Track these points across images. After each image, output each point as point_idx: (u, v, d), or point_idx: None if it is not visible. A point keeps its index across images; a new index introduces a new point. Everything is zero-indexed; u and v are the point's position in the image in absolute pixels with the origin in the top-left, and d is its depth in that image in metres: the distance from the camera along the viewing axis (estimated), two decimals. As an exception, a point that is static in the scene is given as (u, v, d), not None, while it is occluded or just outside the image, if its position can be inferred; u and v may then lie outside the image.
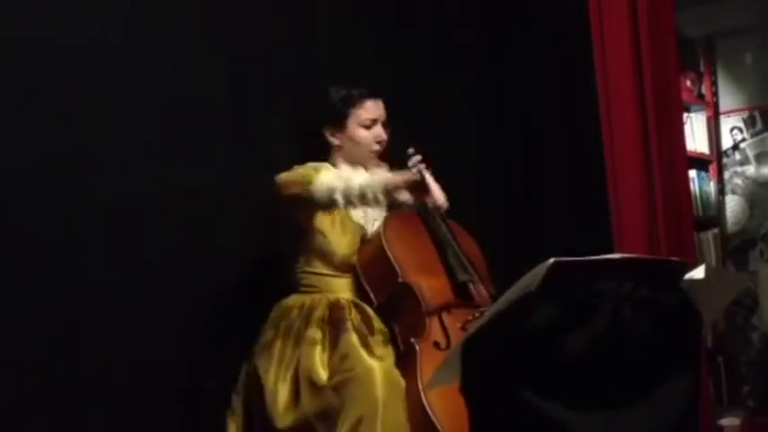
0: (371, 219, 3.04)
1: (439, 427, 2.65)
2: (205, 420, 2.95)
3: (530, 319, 1.94)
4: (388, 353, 2.82)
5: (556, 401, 1.92)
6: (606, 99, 4.06)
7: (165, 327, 2.95)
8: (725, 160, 5.44)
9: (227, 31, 3.25)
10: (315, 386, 2.75)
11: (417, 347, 2.82)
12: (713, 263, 5.11)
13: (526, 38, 4.37)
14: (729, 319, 5.17)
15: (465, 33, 4.17)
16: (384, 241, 2.94)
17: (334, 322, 2.86)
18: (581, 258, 2.01)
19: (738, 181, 5.39)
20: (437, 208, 3.02)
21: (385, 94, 3.09)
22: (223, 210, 3.15)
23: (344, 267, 2.98)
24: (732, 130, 5.42)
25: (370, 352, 2.78)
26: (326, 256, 2.98)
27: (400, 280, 2.92)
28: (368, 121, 3.04)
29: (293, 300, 2.97)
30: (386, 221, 3.01)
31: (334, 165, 3.05)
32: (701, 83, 5.50)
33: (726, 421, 4.94)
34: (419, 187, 2.86)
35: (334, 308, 2.90)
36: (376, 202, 2.83)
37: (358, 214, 3.01)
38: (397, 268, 2.92)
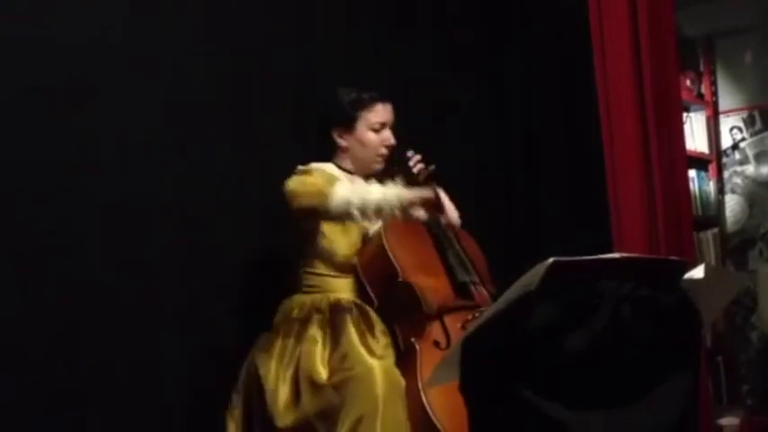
0: (372, 219, 3.04)
1: (439, 426, 2.66)
2: (205, 420, 2.95)
3: (529, 318, 1.94)
4: (388, 352, 2.83)
5: (555, 401, 1.92)
6: (606, 99, 4.06)
7: (165, 327, 2.95)
8: (724, 160, 5.43)
9: (227, 31, 3.25)
10: (315, 385, 2.75)
11: (417, 347, 2.82)
12: (713, 262, 5.11)
13: (526, 38, 4.37)
14: (729, 318, 5.17)
15: (465, 33, 4.17)
16: (385, 241, 2.95)
17: (334, 322, 2.87)
18: (581, 258, 2.02)
19: (738, 180, 5.39)
20: (451, 226, 3.04)
21: (385, 94, 3.09)
22: (223, 210, 3.15)
23: (345, 268, 2.99)
24: (732, 129, 5.42)
25: (371, 351, 2.79)
26: (328, 257, 2.98)
27: (401, 280, 2.92)
28: (377, 124, 3.05)
29: (294, 300, 2.99)
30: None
31: (338, 165, 3.06)
32: (700, 82, 5.50)
33: (725, 421, 4.93)
34: (434, 205, 2.81)
35: (335, 308, 2.90)
36: (391, 217, 2.77)
37: (359, 215, 3.01)
38: (398, 268, 2.92)
